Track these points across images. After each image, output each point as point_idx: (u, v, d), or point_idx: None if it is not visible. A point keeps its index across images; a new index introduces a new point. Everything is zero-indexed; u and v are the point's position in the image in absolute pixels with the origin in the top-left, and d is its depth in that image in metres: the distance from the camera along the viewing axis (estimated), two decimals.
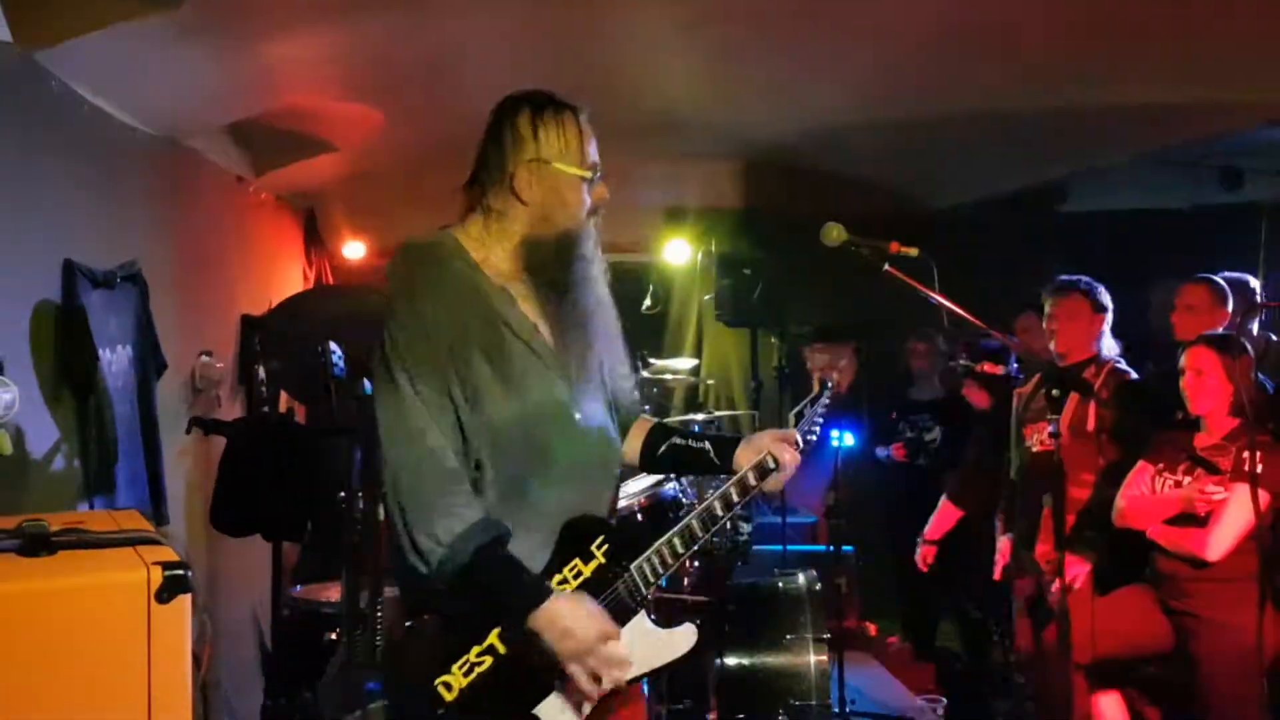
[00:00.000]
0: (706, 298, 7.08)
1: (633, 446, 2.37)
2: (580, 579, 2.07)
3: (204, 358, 4.40)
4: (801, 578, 4.31)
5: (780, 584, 4.29)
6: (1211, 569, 3.41)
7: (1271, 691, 3.29)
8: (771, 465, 2.23)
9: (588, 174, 2.15)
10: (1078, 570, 3.65)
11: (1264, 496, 3.25)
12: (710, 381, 6.94)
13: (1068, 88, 4.39)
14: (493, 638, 1.99)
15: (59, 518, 1.82)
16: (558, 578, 2.06)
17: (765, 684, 3.98)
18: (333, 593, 3.88)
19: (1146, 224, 6.65)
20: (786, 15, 3.69)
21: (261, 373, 4.87)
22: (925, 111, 4.78)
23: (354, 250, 6.87)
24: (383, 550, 3.42)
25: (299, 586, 4.26)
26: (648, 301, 6.82)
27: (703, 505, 2.19)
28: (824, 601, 4.22)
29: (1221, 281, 4.26)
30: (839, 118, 4.94)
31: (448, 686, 1.97)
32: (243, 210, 5.28)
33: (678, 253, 7.12)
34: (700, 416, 5.10)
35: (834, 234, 2.64)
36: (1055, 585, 3.47)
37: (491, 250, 2.14)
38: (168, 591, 1.57)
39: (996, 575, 4.17)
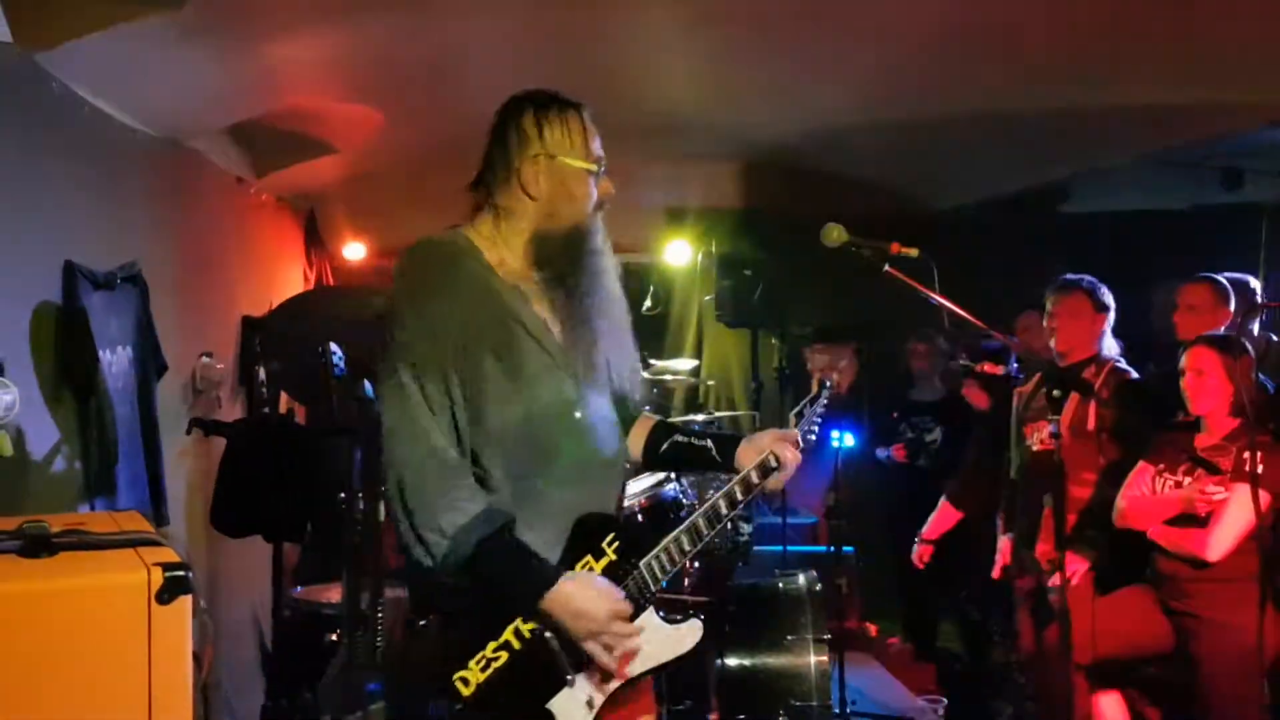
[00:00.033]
0: (707, 298, 7.08)
1: (636, 443, 2.39)
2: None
3: (204, 359, 4.40)
4: (802, 578, 4.31)
5: (781, 585, 4.28)
6: (1212, 569, 3.41)
7: (1272, 692, 3.29)
8: (774, 464, 2.26)
9: (593, 167, 2.18)
10: (1076, 567, 3.66)
11: (1264, 497, 3.25)
12: (711, 382, 6.94)
13: (1069, 89, 4.39)
14: (508, 633, 2.02)
15: (60, 519, 1.83)
16: None
17: (766, 685, 3.98)
18: (333, 594, 3.89)
19: (1148, 225, 6.65)
20: (788, 16, 3.69)
21: (262, 374, 4.87)
22: (927, 112, 4.78)
23: (355, 251, 6.87)
24: (383, 551, 3.43)
25: (299, 587, 4.27)
26: (648, 302, 6.83)
27: (708, 503, 2.22)
28: (824, 602, 4.22)
29: (1223, 281, 4.26)
30: (840, 118, 4.94)
31: (465, 682, 2.01)
32: (243, 211, 5.28)
33: (678, 253, 7.12)
34: (701, 417, 5.10)
35: (835, 235, 2.64)
36: (1054, 579, 3.47)
37: (502, 249, 2.17)
38: (168, 592, 1.57)
39: (995, 574, 4.17)
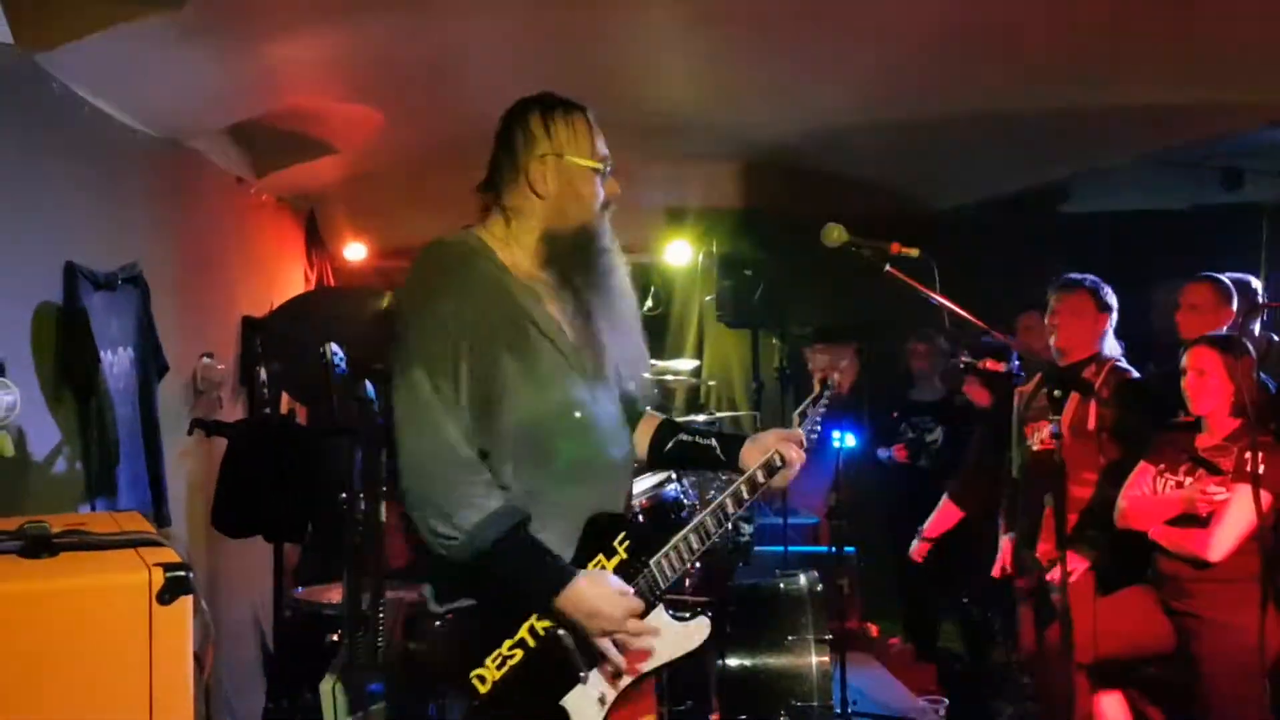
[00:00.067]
0: (708, 299, 7.08)
1: (641, 442, 2.42)
2: None
3: (205, 359, 4.39)
4: (803, 579, 4.31)
5: (782, 585, 4.28)
6: (1213, 570, 3.41)
7: (1273, 692, 3.29)
8: (779, 464, 2.31)
9: (599, 166, 2.21)
10: (1076, 566, 3.66)
11: (1266, 497, 3.26)
12: (711, 382, 6.94)
13: (1069, 89, 4.39)
14: (523, 631, 2.05)
15: (60, 519, 1.83)
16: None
17: (767, 685, 3.98)
18: (334, 594, 3.88)
19: (1148, 225, 6.65)
20: (788, 16, 3.68)
21: (263, 374, 4.87)
22: (927, 112, 4.78)
23: (355, 252, 6.87)
24: (384, 551, 3.43)
25: (300, 588, 4.26)
26: (649, 303, 6.82)
27: (715, 503, 2.26)
28: (825, 602, 4.22)
29: (1226, 280, 4.26)
30: (841, 118, 4.93)
31: (482, 680, 2.03)
32: (244, 212, 5.28)
33: (679, 254, 7.12)
34: (701, 418, 5.09)
35: (835, 235, 2.64)
36: (1053, 573, 3.47)
37: (514, 249, 2.19)
38: (169, 593, 1.57)
39: (995, 573, 4.17)
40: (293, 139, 4.79)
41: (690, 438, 2.40)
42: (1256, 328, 4.42)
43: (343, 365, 3.22)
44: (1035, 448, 3.95)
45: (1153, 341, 4.55)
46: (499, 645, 2.04)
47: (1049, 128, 4.94)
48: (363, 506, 3.29)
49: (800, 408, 2.48)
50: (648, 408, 2.47)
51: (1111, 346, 3.96)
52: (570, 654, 2.06)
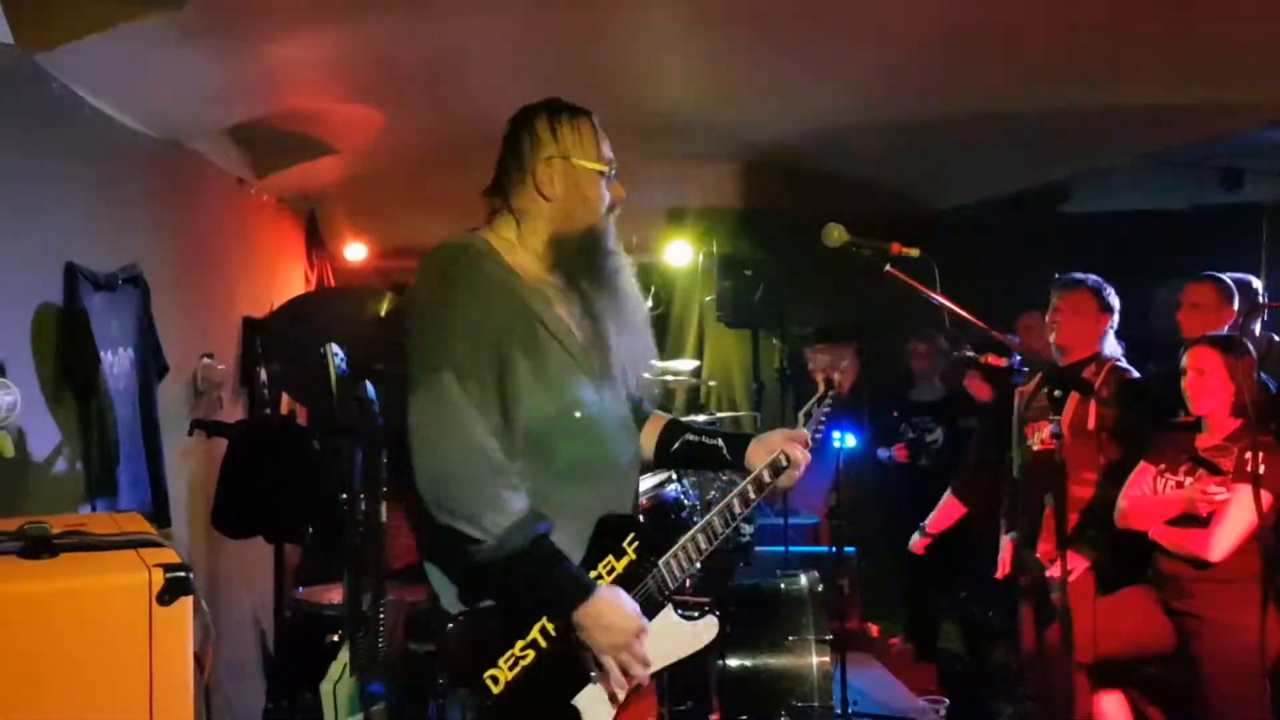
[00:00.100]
0: (708, 299, 7.07)
1: (648, 442, 2.43)
2: (614, 575, 2.17)
3: (206, 360, 4.39)
4: (803, 579, 4.31)
5: (782, 585, 4.28)
6: (1213, 570, 3.40)
7: (1274, 692, 3.29)
8: (785, 463, 2.33)
9: (605, 168, 2.23)
10: (1075, 565, 3.65)
11: (1266, 497, 3.25)
12: (712, 383, 6.94)
13: (1069, 89, 4.38)
14: (535, 632, 2.07)
15: (60, 520, 1.83)
16: (592, 574, 2.14)
17: (767, 685, 3.98)
18: (335, 595, 3.88)
19: (1148, 225, 6.65)
20: (788, 16, 3.68)
21: (263, 375, 4.87)
22: (927, 112, 4.78)
23: (355, 252, 6.87)
24: (384, 552, 3.43)
25: (301, 588, 4.26)
26: (649, 303, 6.81)
27: (723, 502, 2.29)
28: (826, 603, 4.22)
29: (1227, 280, 4.26)
30: (841, 118, 4.93)
31: (495, 680, 2.05)
32: (244, 212, 5.28)
33: (679, 254, 7.11)
34: (702, 418, 5.09)
35: (835, 235, 2.64)
36: (1052, 570, 3.47)
37: (521, 251, 2.21)
38: (169, 594, 1.57)
39: (999, 575, 4.16)
40: (293, 139, 4.79)
41: (697, 437, 2.42)
42: (1257, 328, 4.42)
43: (343, 366, 3.22)
44: (1035, 448, 3.95)
45: (1153, 341, 4.55)
46: (511, 646, 2.06)
47: (1049, 128, 4.94)
48: (363, 507, 3.29)
49: (805, 407, 2.50)
50: (654, 409, 2.49)
51: (1112, 347, 3.95)
52: (583, 652, 2.08)
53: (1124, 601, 3.68)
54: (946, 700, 5.16)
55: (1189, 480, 3.53)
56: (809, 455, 2.36)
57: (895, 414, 6.00)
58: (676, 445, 2.42)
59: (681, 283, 7.40)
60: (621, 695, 2.11)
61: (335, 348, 3.22)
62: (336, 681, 3.16)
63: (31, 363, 3.03)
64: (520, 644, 2.06)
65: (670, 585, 2.20)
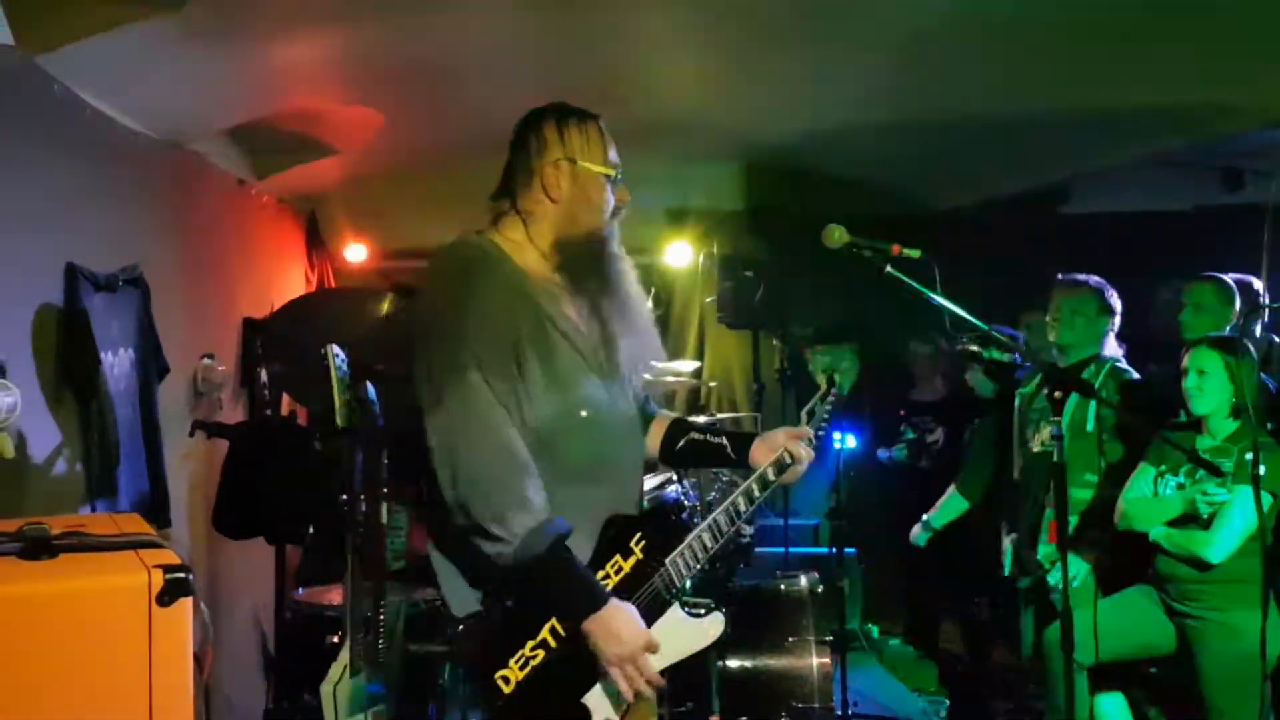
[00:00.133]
0: (708, 300, 7.06)
1: (653, 441, 2.45)
2: (621, 574, 2.18)
3: (206, 361, 4.39)
4: (804, 580, 4.31)
5: (782, 586, 4.29)
6: (1214, 571, 3.40)
7: (1274, 693, 3.29)
8: (789, 462, 2.36)
9: (611, 172, 2.26)
10: (1076, 566, 3.65)
11: (1266, 498, 3.25)
12: (712, 384, 6.93)
13: (1070, 89, 4.38)
14: (545, 632, 2.08)
15: (60, 521, 1.83)
16: (600, 574, 2.15)
17: (768, 686, 3.98)
18: (335, 595, 3.89)
19: (1149, 225, 6.64)
20: (788, 16, 3.68)
21: (264, 376, 4.87)
22: (927, 112, 4.78)
23: (356, 253, 6.86)
24: (385, 552, 3.43)
25: (301, 589, 4.26)
26: (648, 304, 6.81)
27: (728, 501, 2.31)
28: (826, 603, 4.22)
29: (1228, 280, 4.26)
30: (841, 119, 4.93)
31: (506, 680, 2.07)
32: (244, 213, 5.28)
33: (680, 254, 7.11)
34: (703, 419, 5.09)
35: (836, 236, 2.64)
36: (1052, 571, 3.47)
37: (529, 252, 2.23)
38: (169, 595, 1.57)
39: (1009, 573, 4.16)
40: (293, 140, 4.79)
41: (701, 436, 2.45)
42: (1258, 328, 4.42)
43: (344, 366, 3.22)
44: (1035, 449, 3.94)
45: (1153, 341, 4.55)
46: (522, 646, 2.08)
47: (1049, 128, 4.94)
48: (363, 507, 3.29)
49: (808, 406, 2.53)
50: (659, 409, 2.51)
51: (1112, 348, 3.95)
52: (591, 653, 2.09)
53: (1124, 602, 3.68)
54: (946, 700, 5.16)
55: (1189, 481, 3.53)
56: (812, 453, 2.39)
57: (901, 412, 6.00)
58: (681, 443, 2.44)
59: (682, 283, 7.39)
60: (630, 693, 2.12)
61: (336, 348, 3.22)
62: (337, 682, 3.15)
63: (32, 363, 3.03)
64: (530, 644, 2.08)
65: (677, 584, 2.22)
